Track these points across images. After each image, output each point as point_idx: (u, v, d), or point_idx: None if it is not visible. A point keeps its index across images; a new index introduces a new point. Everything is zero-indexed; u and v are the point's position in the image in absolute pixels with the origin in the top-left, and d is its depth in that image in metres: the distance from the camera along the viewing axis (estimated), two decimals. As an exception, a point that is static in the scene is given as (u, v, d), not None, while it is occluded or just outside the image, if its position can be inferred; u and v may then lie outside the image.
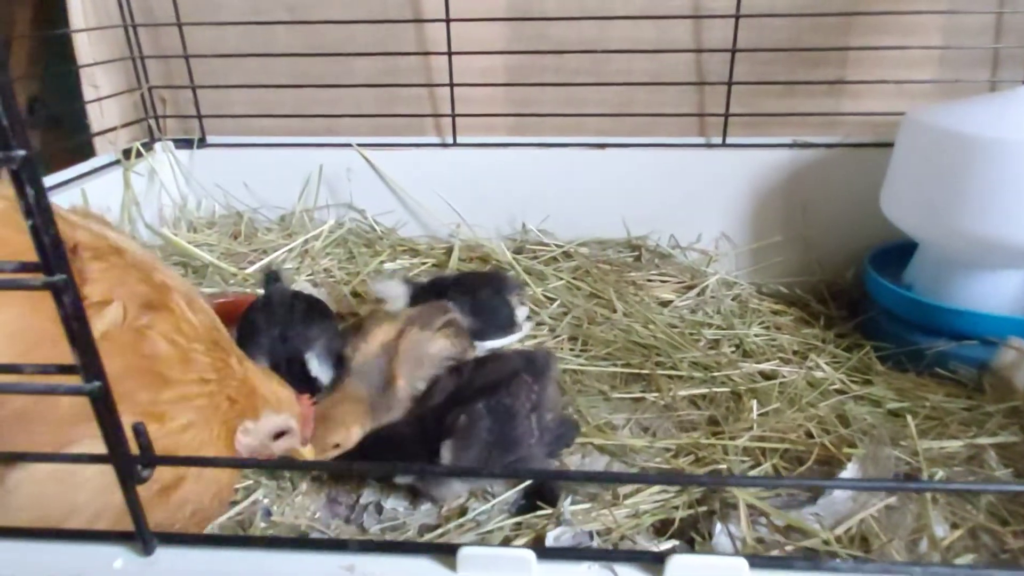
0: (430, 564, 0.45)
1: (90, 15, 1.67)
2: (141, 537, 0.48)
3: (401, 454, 1.00)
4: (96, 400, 0.43)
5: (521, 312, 1.35)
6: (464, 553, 0.45)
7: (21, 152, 0.39)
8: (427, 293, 1.30)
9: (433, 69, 1.70)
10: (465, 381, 1.08)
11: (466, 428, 0.98)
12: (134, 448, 0.46)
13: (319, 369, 1.11)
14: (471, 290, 1.31)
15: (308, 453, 0.89)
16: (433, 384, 1.09)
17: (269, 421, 0.80)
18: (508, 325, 1.32)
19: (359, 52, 1.66)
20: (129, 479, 0.46)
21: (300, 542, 0.52)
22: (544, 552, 0.47)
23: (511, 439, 1.01)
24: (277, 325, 1.12)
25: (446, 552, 0.46)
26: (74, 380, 0.42)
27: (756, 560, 0.45)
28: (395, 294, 1.33)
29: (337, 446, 1.02)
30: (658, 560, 0.47)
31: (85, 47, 1.69)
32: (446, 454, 0.97)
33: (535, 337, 1.47)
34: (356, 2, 1.62)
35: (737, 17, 1.52)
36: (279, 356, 1.08)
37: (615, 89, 1.66)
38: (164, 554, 0.49)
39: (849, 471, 1.05)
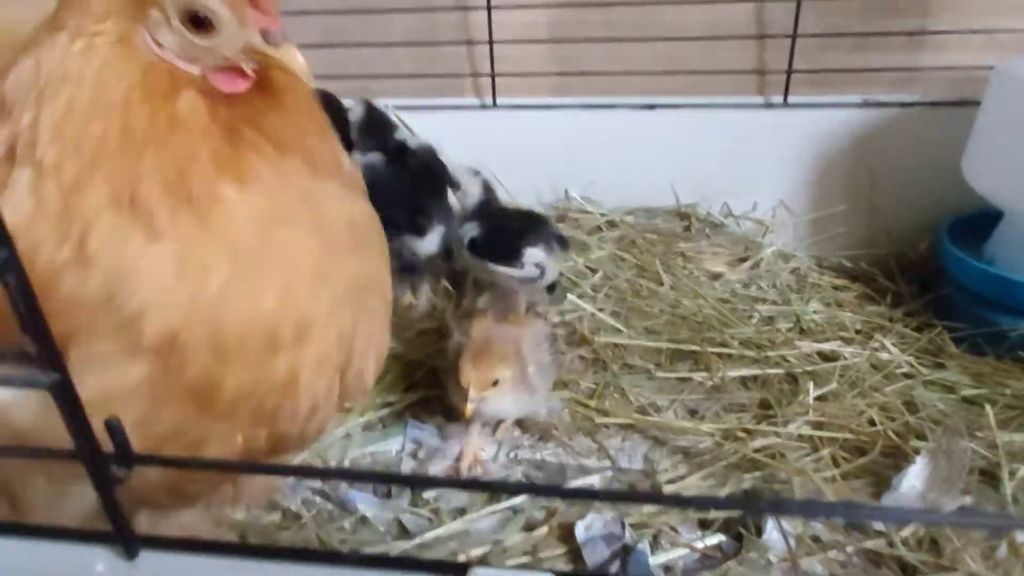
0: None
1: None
2: (123, 540, 0.44)
3: None
4: (56, 394, 0.38)
5: (532, 253, 1.30)
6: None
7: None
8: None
9: (472, 25, 1.60)
10: None
11: None
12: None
13: None
14: (502, 219, 1.36)
15: (288, 54, 0.61)
16: None
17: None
18: (511, 258, 1.30)
19: (396, 8, 1.58)
20: (104, 480, 0.41)
21: (297, 553, 0.46)
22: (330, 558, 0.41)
23: None
24: None
25: (451, 571, 0.40)
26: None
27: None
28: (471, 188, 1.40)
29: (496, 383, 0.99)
30: (460, 572, 0.40)
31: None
32: None
33: (575, 311, 1.39)
34: (392, -45, 1.54)
35: (805, -38, 1.37)
36: None
37: (666, 45, 1.53)
38: (148, 558, 0.45)
39: (918, 465, 0.96)
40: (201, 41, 0.60)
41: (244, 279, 0.59)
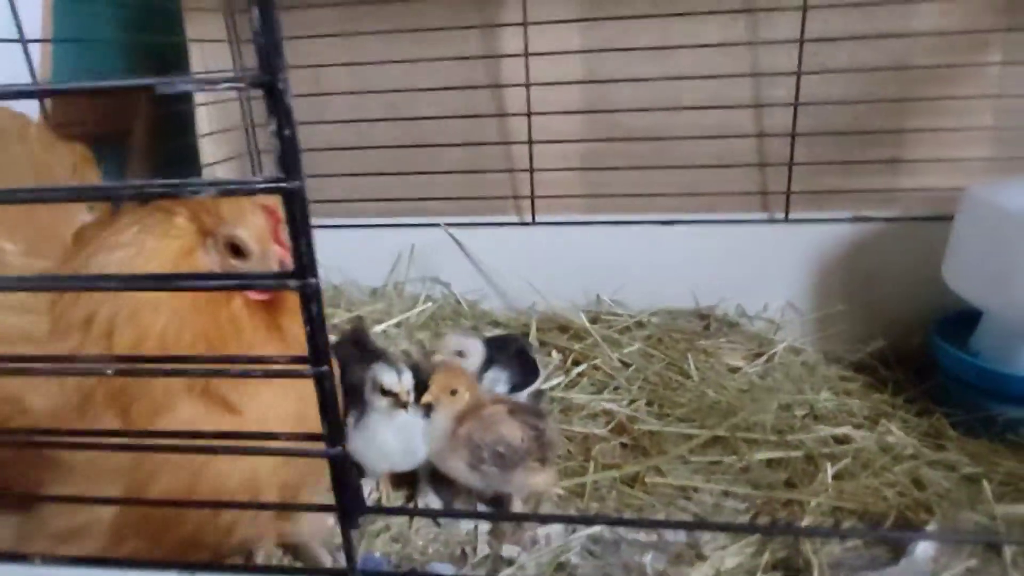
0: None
1: (214, 120, 1.92)
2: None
3: None
4: (337, 463, 0.56)
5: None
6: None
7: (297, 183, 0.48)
8: None
9: (514, 156, 1.87)
10: None
11: None
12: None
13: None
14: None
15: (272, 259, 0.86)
16: None
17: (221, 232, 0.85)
18: None
19: (449, 143, 1.85)
20: (350, 526, 0.59)
21: None
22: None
23: None
24: None
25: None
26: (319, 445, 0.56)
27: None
28: (474, 349, 1.45)
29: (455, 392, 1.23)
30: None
31: (209, 148, 1.93)
32: None
33: (613, 400, 1.57)
34: (447, 99, 1.82)
35: (796, 105, 1.65)
36: None
37: (682, 171, 1.79)
38: None
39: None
40: (237, 263, 0.86)
41: None
